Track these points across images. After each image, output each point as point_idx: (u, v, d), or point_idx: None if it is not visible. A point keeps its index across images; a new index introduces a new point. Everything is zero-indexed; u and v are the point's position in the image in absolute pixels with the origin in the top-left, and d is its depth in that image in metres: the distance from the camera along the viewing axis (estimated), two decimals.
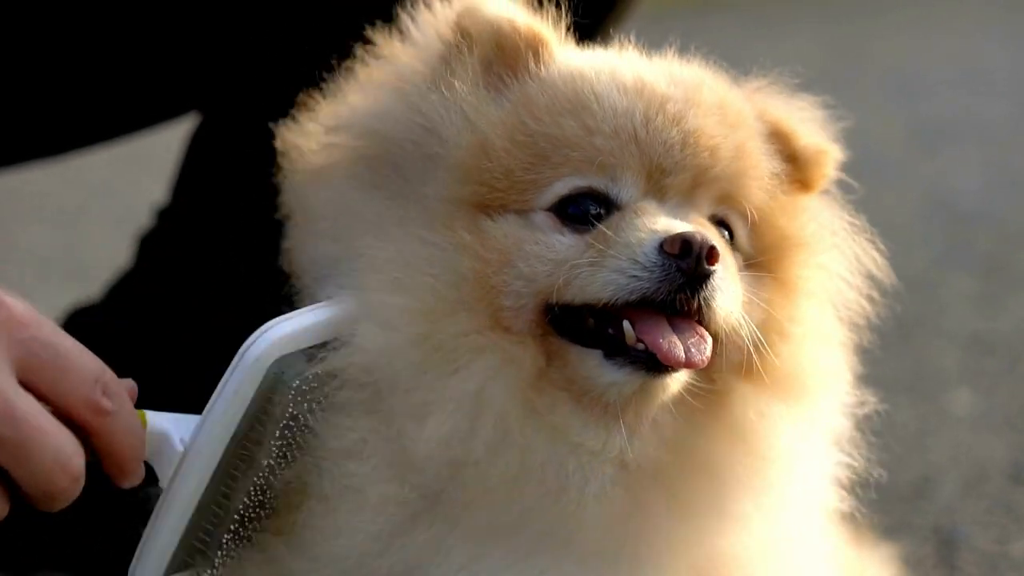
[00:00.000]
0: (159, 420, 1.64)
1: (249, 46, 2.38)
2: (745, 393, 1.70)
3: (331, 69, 1.84)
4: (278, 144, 1.84)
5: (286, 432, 1.68)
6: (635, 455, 1.64)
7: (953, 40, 9.81)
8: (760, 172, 1.75)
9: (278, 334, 1.66)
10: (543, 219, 1.67)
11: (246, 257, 2.21)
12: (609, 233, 1.64)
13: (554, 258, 1.64)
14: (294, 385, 1.66)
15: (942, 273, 4.84)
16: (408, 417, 1.63)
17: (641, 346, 1.61)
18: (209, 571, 1.71)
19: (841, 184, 1.89)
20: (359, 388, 1.66)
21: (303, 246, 1.81)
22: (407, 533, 1.67)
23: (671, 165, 1.69)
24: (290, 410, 1.66)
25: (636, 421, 1.65)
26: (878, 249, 1.86)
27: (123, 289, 2.71)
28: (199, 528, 1.67)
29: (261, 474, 1.68)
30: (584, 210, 1.68)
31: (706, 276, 1.61)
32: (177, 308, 2.55)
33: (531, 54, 1.73)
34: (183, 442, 1.64)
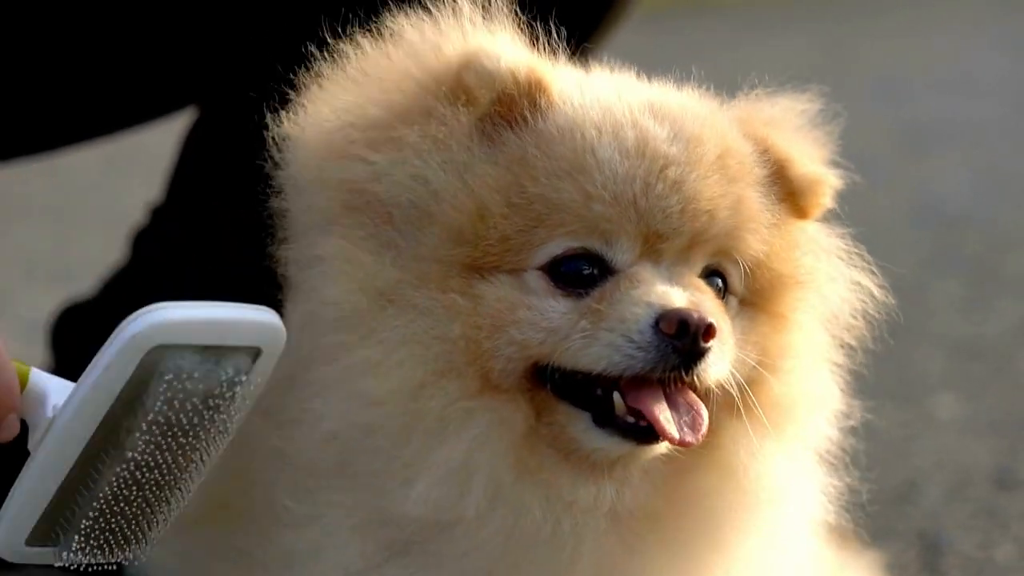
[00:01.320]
0: (42, 380, 1.57)
1: (246, 41, 2.37)
2: (736, 432, 1.69)
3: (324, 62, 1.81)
4: (272, 135, 1.79)
5: (154, 429, 1.54)
6: (626, 505, 1.65)
7: (942, 43, 9.83)
8: (757, 223, 1.72)
9: (162, 318, 1.53)
10: (536, 280, 1.65)
11: (240, 255, 2.20)
12: (601, 305, 1.62)
13: (547, 327, 1.62)
14: (167, 378, 1.52)
15: (929, 277, 4.83)
16: (392, 480, 1.63)
17: (631, 419, 1.61)
18: (66, 553, 1.60)
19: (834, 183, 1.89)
20: (322, 449, 1.66)
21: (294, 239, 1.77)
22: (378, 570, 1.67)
23: (668, 231, 1.66)
24: (160, 406, 1.53)
25: (625, 474, 1.66)
26: (874, 276, 1.84)
27: (117, 286, 2.71)
28: (66, 504, 1.58)
29: (125, 466, 1.56)
30: (577, 270, 1.65)
31: (702, 354, 1.60)
32: None
33: (528, 103, 1.68)
34: (55, 409, 1.54)
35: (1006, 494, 3.26)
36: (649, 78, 1.84)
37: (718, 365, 1.63)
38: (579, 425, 1.63)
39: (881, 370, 4.05)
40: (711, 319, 1.59)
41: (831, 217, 1.87)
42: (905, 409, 3.73)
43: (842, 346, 1.85)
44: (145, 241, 2.69)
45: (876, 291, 1.83)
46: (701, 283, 1.69)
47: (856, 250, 1.85)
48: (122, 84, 2.41)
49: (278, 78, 1.83)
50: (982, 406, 3.80)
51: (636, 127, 1.68)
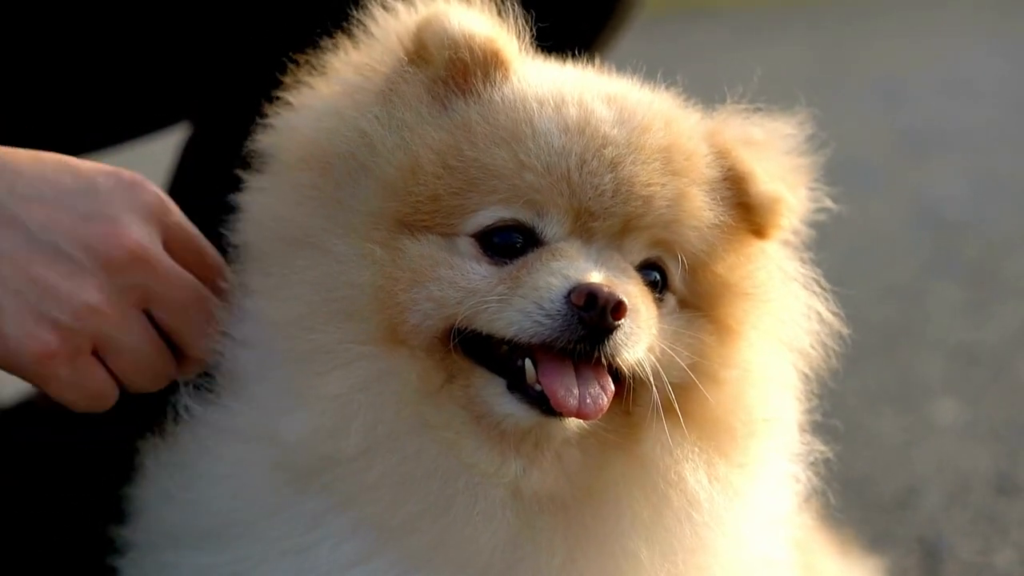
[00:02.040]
0: None
1: (242, 56, 2.37)
2: (657, 431, 1.68)
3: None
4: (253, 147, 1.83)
5: None
6: (532, 485, 1.66)
7: (940, 47, 9.84)
8: (698, 220, 1.72)
9: None
10: (466, 245, 1.67)
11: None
12: (521, 272, 1.64)
13: (466, 286, 1.64)
14: None
15: (928, 282, 4.82)
16: (278, 404, 1.68)
17: (539, 387, 1.62)
18: None
19: (827, 191, 1.87)
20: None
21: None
22: (289, 505, 1.70)
23: (600, 210, 1.68)
24: None
25: (536, 453, 1.67)
26: (831, 300, 1.82)
27: None
28: None
29: None
30: (510, 242, 1.67)
31: (609, 330, 1.61)
32: None
33: (481, 73, 1.71)
34: None
35: (1006, 499, 3.26)
36: (648, 82, 1.83)
37: (631, 347, 1.63)
38: (492, 390, 1.65)
39: (881, 375, 4.06)
40: (622, 297, 1.60)
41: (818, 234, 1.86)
42: (904, 414, 3.73)
43: (799, 373, 1.83)
44: None
45: (828, 316, 1.81)
46: (630, 269, 1.70)
47: (815, 276, 1.83)
48: (120, 99, 2.41)
49: (275, 87, 1.84)
50: (982, 411, 3.80)
51: (581, 106, 1.72)
